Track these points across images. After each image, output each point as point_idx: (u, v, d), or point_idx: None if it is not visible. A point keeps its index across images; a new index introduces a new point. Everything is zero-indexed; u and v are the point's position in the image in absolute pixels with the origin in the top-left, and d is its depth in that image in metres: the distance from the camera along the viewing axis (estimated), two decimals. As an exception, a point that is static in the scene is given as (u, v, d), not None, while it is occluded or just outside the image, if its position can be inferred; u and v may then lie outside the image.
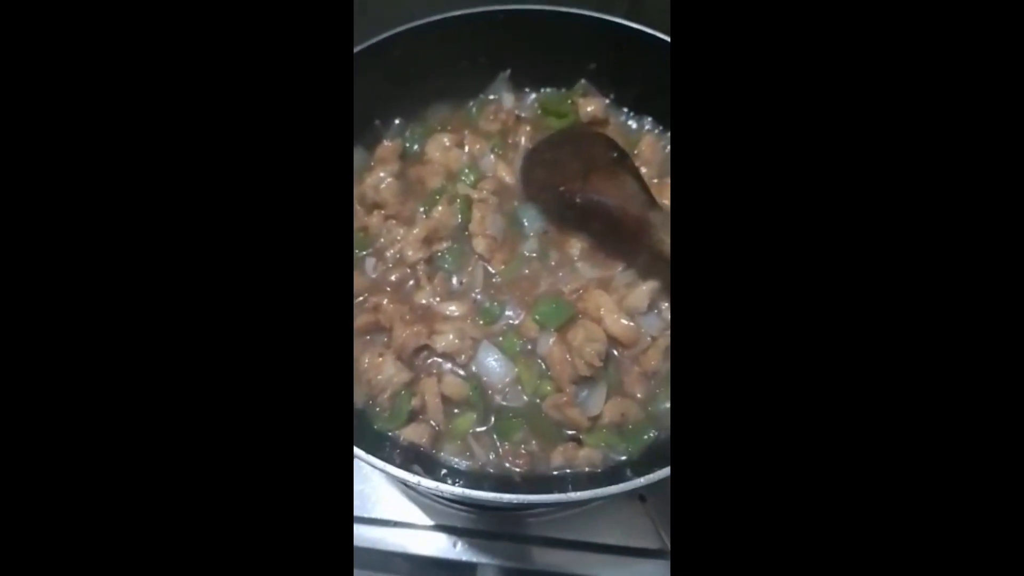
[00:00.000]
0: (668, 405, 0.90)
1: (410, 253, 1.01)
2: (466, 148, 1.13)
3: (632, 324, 0.91)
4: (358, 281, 1.00)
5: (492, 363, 0.91)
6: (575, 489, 0.76)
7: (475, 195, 1.06)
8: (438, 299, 0.98)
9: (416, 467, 0.82)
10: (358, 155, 1.12)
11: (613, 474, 0.84)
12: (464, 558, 1.05)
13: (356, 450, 0.73)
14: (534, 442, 0.89)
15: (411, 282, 1.00)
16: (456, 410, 0.91)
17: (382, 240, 1.04)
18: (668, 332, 0.94)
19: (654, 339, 0.93)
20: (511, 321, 0.96)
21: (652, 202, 0.92)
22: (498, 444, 0.89)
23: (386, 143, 1.14)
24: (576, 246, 1.02)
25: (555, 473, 0.86)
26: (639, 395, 0.91)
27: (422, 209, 1.06)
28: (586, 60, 1.13)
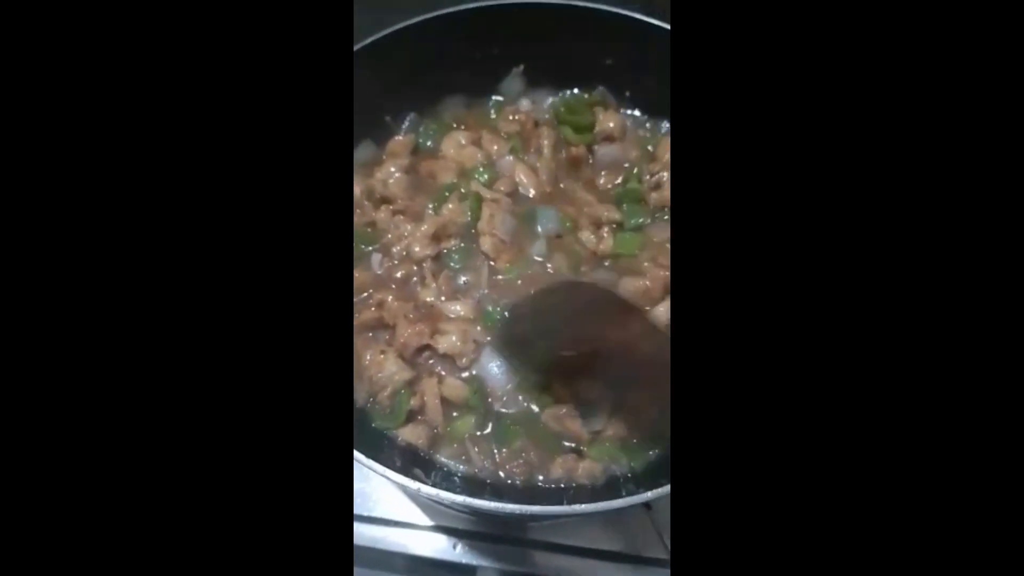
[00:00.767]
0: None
1: (417, 249, 1.00)
2: (482, 148, 1.10)
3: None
4: (363, 277, 0.99)
5: (494, 368, 0.90)
6: (576, 500, 0.75)
7: (487, 194, 1.04)
8: (443, 298, 0.97)
9: (417, 471, 0.82)
10: (368, 149, 1.11)
11: (615, 488, 0.82)
12: (464, 560, 1.03)
13: (356, 454, 0.72)
14: (533, 452, 0.87)
15: (414, 279, 0.99)
16: (455, 413, 0.90)
17: (389, 236, 1.03)
18: None
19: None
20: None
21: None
22: (496, 451, 0.87)
23: (398, 137, 1.13)
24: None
25: (552, 486, 0.84)
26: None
27: (431, 206, 1.05)
28: (602, 55, 1.09)
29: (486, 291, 0.97)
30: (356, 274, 0.98)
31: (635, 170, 1.06)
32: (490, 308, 0.95)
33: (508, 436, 0.87)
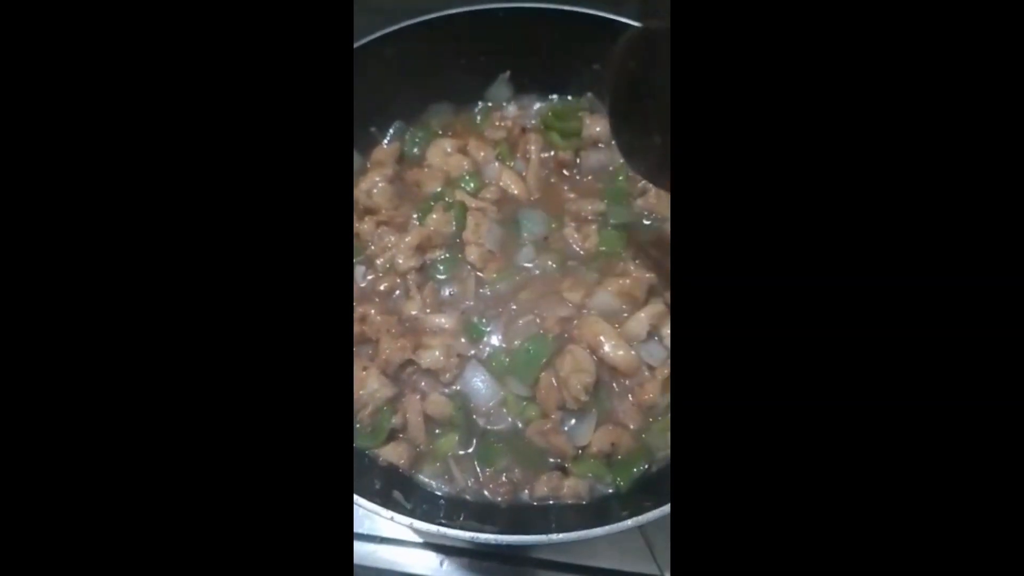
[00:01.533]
0: (663, 436, 0.85)
1: (401, 261, 0.98)
2: (469, 155, 1.09)
3: (632, 353, 0.87)
4: (347, 290, 0.97)
5: (478, 384, 0.88)
6: (562, 522, 0.72)
7: (472, 203, 1.02)
8: (428, 311, 0.95)
9: (397, 494, 0.80)
10: (352, 159, 1.08)
11: (601, 507, 0.79)
12: (452, 578, 1.02)
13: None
14: (517, 470, 0.85)
15: (397, 292, 0.97)
16: (438, 430, 0.88)
17: (372, 247, 1.01)
18: (668, 363, 0.88)
19: (653, 370, 0.88)
20: (500, 343, 0.92)
21: None
22: (479, 470, 0.85)
23: (384, 146, 1.11)
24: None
25: (536, 504, 0.82)
26: (632, 425, 0.86)
27: (416, 216, 1.03)
28: (590, 61, 1.07)
29: (471, 303, 0.95)
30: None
31: (620, 177, 1.05)
32: (475, 320, 0.93)
33: (492, 455, 0.85)
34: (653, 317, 0.89)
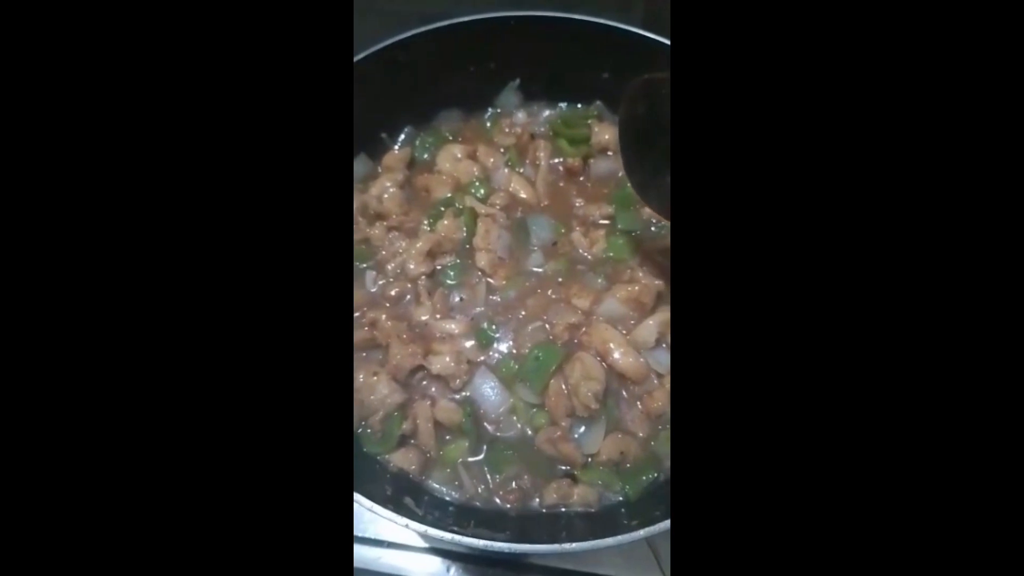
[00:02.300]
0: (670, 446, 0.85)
1: (412, 267, 0.98)
2: (478, 161, 1.09)
3: (641, 360, 0.87)
4: (357, 295, 0.98)
5: (488, 390, 0.88)
6: (571, 530, 0.72)
7: (482, 209, 1.02)
8: (438, 316, 0.95)
9: (408, 500, 0.80)
10: (363, 163, 1.09)
11: (610, 516, 0.80)
12: (458, 583, 1.02)
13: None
14: (526, 477, 0.85)
15: (407, 297, 0.97)
16: (448, 436, 0.88)
17: (383, 252, 1.01)
18: None
19: (661, 378, 0.88)
20: (509, 349, 0.92)
21: None
22: (489, 476, 0.85)
23: (395, 151, 1.11)
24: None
25: (546, 511, 0.82)
26: (641, 433, 0.86)
27: (426, 221, 1.03)
28: (599, 69, 1.08)
29: (480, 309, 0.95)
30: (349, 292, 0.96)
31: (628, 184, 1.04)
32: (484, 326, 0.93)
33: (501, 462, 0.85)
34: (661, 324, 0.89)
